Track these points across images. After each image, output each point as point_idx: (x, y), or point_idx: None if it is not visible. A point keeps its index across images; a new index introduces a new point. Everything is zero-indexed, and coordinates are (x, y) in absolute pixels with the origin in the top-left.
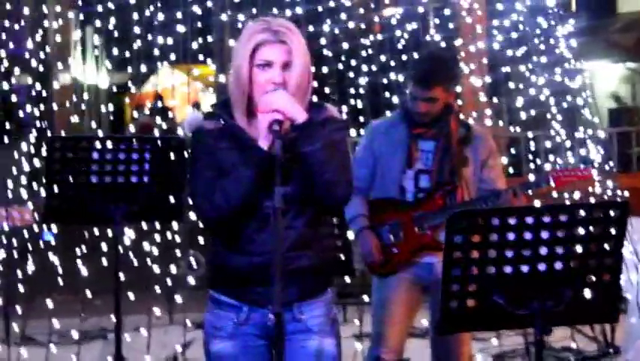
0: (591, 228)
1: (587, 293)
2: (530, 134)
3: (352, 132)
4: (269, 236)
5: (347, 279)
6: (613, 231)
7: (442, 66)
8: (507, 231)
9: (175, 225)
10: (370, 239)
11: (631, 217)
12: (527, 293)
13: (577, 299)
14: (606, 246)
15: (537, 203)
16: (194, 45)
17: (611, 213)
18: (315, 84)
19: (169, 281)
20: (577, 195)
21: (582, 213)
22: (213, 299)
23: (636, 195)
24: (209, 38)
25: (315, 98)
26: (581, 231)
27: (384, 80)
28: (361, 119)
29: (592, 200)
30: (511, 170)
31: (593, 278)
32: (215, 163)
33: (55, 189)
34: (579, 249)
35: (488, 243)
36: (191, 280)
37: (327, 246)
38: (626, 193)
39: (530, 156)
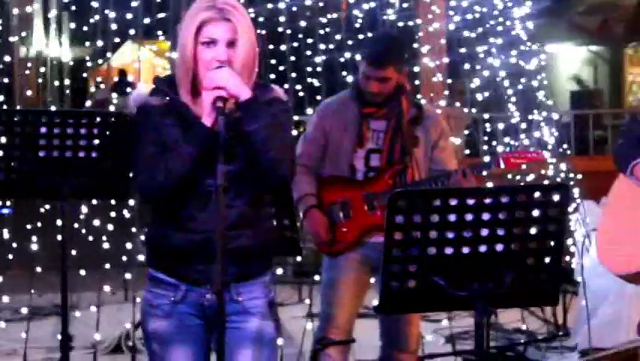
0: (533, 210)
1: (528, 276)
2: (487, 116)
3: (309, 111)
4: (210, 214)
5: (299, 258)
6: (554, 213)
7: (394, 46)
8: (448, 212)
9: (131, 201)
10: (317, 218)
11: (584, 200)
12: (468, 275)
13: (518, 281)
14: (548, 228)
15: (490, 184)
16: (148, 20)
17: (553, 195)
18: (273, 62)
19: (124, 258)
20: (531, 177)
21: (524, 195)
22: (152, 277)
23: (592, 179)
24: (164, 14)
25: (272, 76)
26: (523, 213)
27: (342, 59)
28: (318, 97)
29: (546, 182)
30: (467, 151)
31: (533, 261)
32: (160, 139)
33: (2, 163)
34: (520, 231)
35: (429, 223)
36: (143, 257)
37: (269, 227)
38: (580, 176)
39: (486, 138)
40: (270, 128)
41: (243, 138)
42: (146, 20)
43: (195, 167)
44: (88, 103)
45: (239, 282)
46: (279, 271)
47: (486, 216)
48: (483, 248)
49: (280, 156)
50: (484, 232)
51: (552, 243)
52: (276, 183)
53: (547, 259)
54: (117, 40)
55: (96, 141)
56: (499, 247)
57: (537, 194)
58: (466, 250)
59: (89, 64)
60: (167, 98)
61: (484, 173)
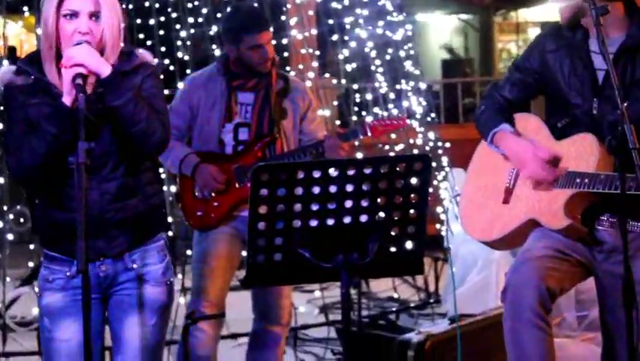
0: (395, 181)
1: (392, 246)
2: (356, 87)
3: (180, 85)
4: (87, 191)
5: (170, 233)
6: (417, 183)
7: (260, 10)
8: (312, 184)
9: (0, 180)
10: (209, 168)
11: (453, 168)
12: (333, 246)
13: (382, 251)
14: (411, 198)
15: (360, 155)
16: None
17: (415, 165)
18: (141, 36)
19: None
20: (400, 147)
21: (386, 166)
22: (46, 255)
23: (461, 147)
24: None
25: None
26: (386, 184)
27: (210, 32)
28: (188, 71)
29: (415, 152)
30: (338, 122)
31: (398, 230)
32: (27, 119)
33: None
34: (384, 201)
35: (294, 196)
36: (12, 236)
37: (153, 191)
38: (448, 144)
39: (356, 108)
40: (134, 101)
41: (107, 114)
42: None
43: (60, 146)
44: None
45: (132, 250)
46: None
47: (350, 188)
48: (347, 219)
49: (148, 126)
50: (348, 204)
51: (415, 212)
52: (150, 151)
53: (411, 229)
54: None
55: None
56: (364, 218)
57: (399, 164)
58: (330, 221)
59: None
60: (32, 77)
61: (356, 143)
